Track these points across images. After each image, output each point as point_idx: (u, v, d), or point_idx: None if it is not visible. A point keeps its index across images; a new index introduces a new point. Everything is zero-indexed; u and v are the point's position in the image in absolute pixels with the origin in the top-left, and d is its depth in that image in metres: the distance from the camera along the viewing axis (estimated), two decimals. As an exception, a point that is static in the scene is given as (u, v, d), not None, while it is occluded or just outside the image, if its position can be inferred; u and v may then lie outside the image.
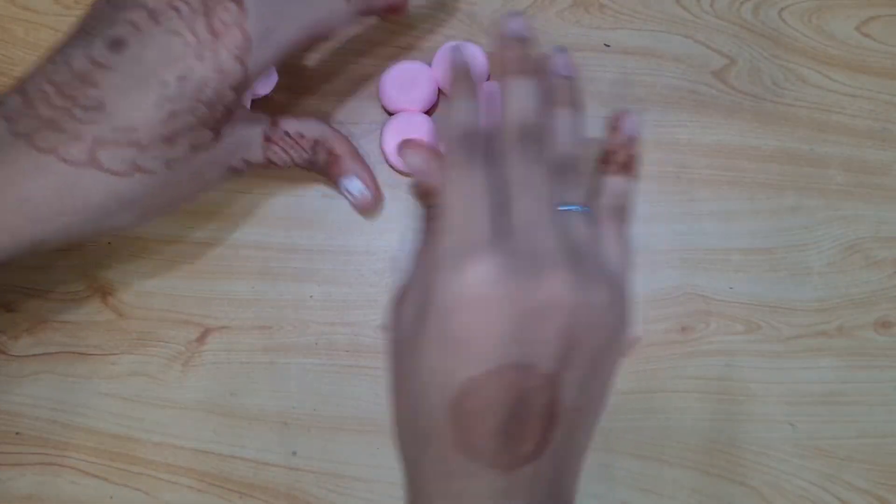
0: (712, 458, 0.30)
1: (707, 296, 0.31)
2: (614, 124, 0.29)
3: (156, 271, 0.31)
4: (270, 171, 0.31)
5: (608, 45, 0.33)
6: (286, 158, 0.28)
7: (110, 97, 0.23)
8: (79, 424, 0.30)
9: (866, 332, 0.32)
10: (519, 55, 0.27)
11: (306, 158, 0.29)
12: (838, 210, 0.32)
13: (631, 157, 0.28)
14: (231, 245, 0.31)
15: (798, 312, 0.32)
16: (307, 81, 0.33)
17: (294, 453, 0.30)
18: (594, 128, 0.30)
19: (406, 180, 0.32)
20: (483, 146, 0.24)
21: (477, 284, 0.21)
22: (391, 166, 0.32)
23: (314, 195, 0.32)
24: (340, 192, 0.30)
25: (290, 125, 0.28)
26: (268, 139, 0.27)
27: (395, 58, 0.32)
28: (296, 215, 0.31)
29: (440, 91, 0.32)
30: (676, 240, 0.32)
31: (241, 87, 0.24)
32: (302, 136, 0.28)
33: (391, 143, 0.31)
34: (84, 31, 0.24)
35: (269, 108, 0.32)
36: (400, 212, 0.31)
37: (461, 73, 0.27)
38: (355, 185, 0.29)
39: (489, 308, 0.21)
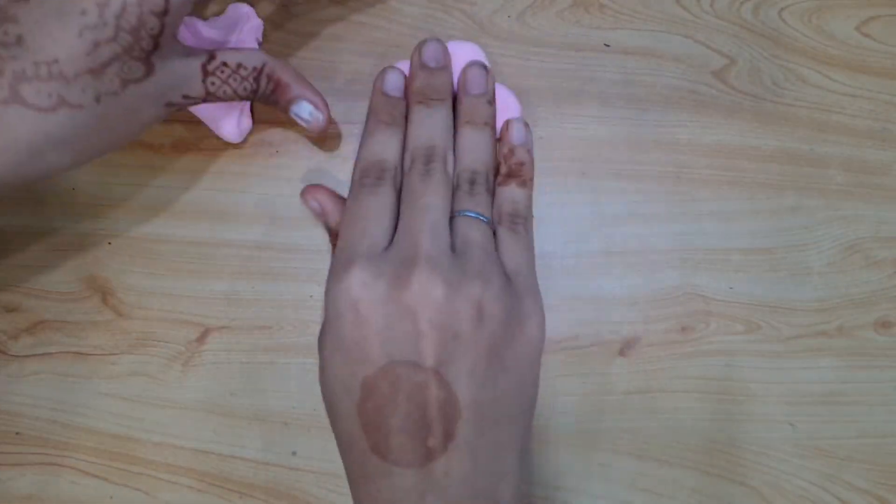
0: (712, 458, 0.30)
1: (707, 296, 0.31)
2: (501, 135, 0.30)
3: (156, 271, 0.31)
4: (272, 172, 0.32)
5: (608, 45, 0.33)
6: (228, 90, 0.28)
7: (29, 30, 0.22)
8: (79, 424, 0.30)
9: (866, 332, 0.32)
10: (426, 85, 0.28)
11: (250, 89, 0.28)
12: (838, 210, 0.32)
13: (517, 165, 0.29)
14: (231, 245, 0.31)
15: (798, 312, 0.32)
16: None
17: (294, 453, 0.30)
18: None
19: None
20: (381, 176, 0.26)
21: (352, 290, 0.23)
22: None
23: (314, 195, 0.32)
24: (292, 119, 0.30)
25: (229, 56, 0.27)
26: (206, 72, 0.27)
27: (394, 58, 0.32)
28: (296, 215, 0.31)
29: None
30: (676, 240, 0.32)
31: (165, 13, 0.24)
32: (242, 67, 0.28)
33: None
34: None
35: (269, 107, 0.32)
36: (400, 212, 0.31)
37: (380, 101, 0.28)
38: (305, 109, 0.29)
39: (365, 311, 0.23)
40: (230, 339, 0.31)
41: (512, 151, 0.29)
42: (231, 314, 0.31)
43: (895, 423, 0.31)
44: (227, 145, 0.32)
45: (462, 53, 0.31)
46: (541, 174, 0.31)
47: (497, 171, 0.29)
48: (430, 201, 0.25)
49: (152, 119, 0.26)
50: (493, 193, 0.28)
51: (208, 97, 0.27)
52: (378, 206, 0.26)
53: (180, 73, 0.26)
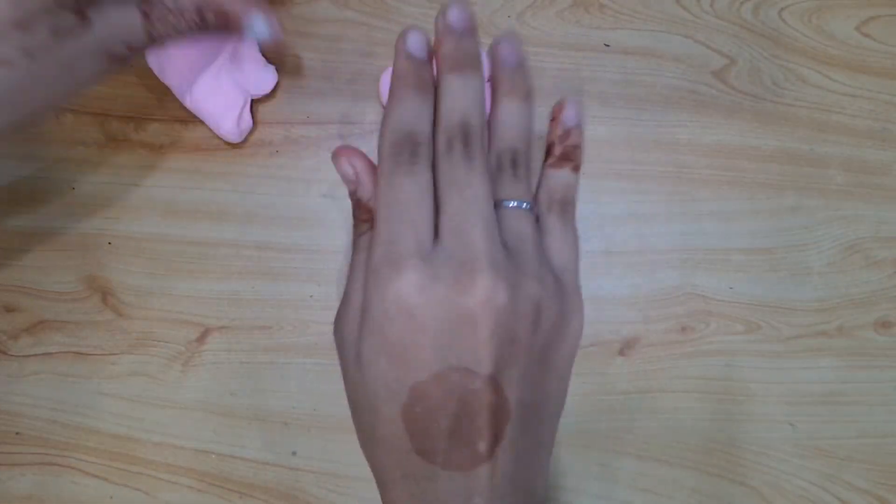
0: (712, 458, 0.30)
1: (707, 296, 0.31)
2: (554, 114, 0.27)
3: (156, 271, 0.31)
4: (272, 172, 0.32)
5: (608, 45, 0.33)
6: (172, 32, 0.26)
7: None
8: (79, 424, 0.30)
9: (866, 332, 0.32)
10: (455, 49, 0.25)
11: (195, 25, 0.27)
12: (838, 210, 0.32)
13: (571, 148, 0.26)
14: (231, 245, 0.31)
15: (798, 312, 0.32)
16: (307, 81, 0.33)
17: (294, 453, 0.30)
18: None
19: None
20: (415, 152, 0.24)
21: (405, 294, 0.21)
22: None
23: (314, 195, 0.32)
24: (247, 40, 0.29)
25: None
26: (147, 17, 0.25)
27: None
28: (296, 215, 0.31)
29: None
30: (676, 240, 0.32)
31: None
32: (181, 4, 0.26)
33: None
34: None
35: (269, 108, 0.32)
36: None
37: (408, 64, 0.25)
38: (259, 26, 0.27)
39: (419, 316, 0.21)
40: (230, 339, 0.31)
41: (568, 133, 0.26)
42: (231, 314, 0.31)
43: (895, 423, 0.31)
44: (228, 145, 0.32)
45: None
46: (541, 174, 0.31)
47: (548, 152, 0.27)
48: (477, 192, 0.23)
49: (95, 74, 0.25)
50: (530, 175, 0.26)
51: (154, 42, 0.26)
52: (418, 190, 0.23)
53: (118, 22, 0.24)
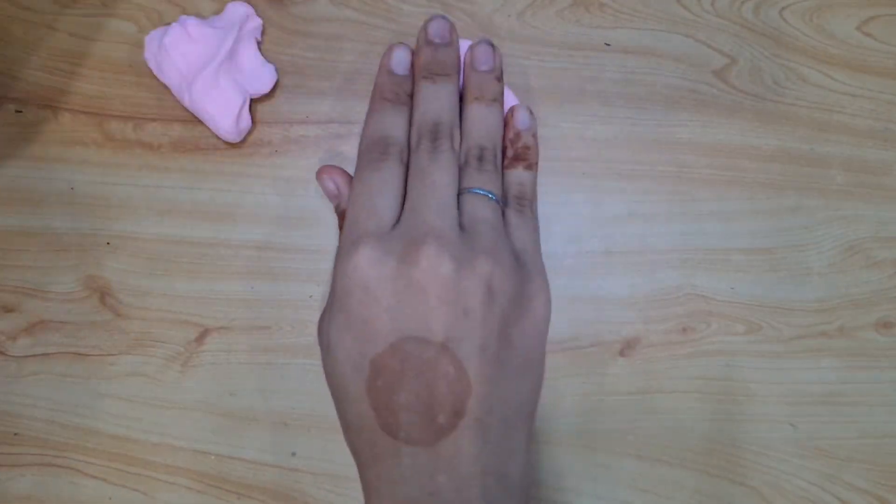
0: (713, 459, 0.30)
1: (708, 296, 0.31)
2: (506, 120, 0.29)
3: (155, 271, 0.31)
4: (272, 172, 0.31)
5: (608, 45, 0.33)
6: None
7: None
8: (77, 425, 0.30)
9: (867, 333, 0.31)
10: (431, 60, 0.28)
11: None
12: (839, 210, 0.32)
13: (523, 148, 0.28)
14: (230, 245, 0.31)
15: (799, 313, 0.31)
16: (307, 81, 0.32)
17: (293, 454, 0.30)
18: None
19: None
20: (385, 151, 0.26)
21: (360, 268, 0.23)
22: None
23: (314, 195, 0.32)
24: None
25: None
26: None
27: (394, 57, 0.32)
28: (296, 215, 0.31)
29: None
30: (677, 240, 0.32)
31: None
32: None
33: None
34: None
35: (268, 107, 0.32)
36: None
37: (387, 79, 0.28)
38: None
39: (373, 289, 0.23)
40: (229, 340, 0.30)
41: (518, 135, 0.29)
42: (230, 314, 0.31)
43: (895, 423, 0.31)
44: (227, 145, 0.32)
45: (462, 52, 0.31)
46: (541, 174, 0.30)
47: (503, 154, 0.29)
48: (437, 178, 0.25)
49: None
50: (500, 172, 0.28)
51: None
52: (382, 182, 0.25)
53: None
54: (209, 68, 0.30)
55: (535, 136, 0.29)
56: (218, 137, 0.32)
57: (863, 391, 0.31)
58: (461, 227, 0.25)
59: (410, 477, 0.22)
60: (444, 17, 0.29)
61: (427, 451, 0.22)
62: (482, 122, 0.28)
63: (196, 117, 0.31)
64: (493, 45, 0.29)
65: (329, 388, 0.25)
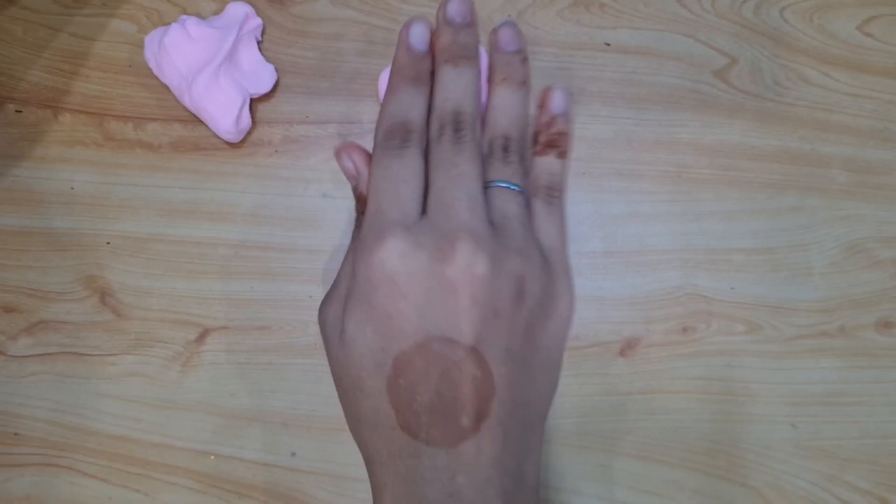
0: (713, 459, 0.30)
1: (708, 296, 0.31)
2: (542, 102, 0.28)
3: (155, 271, 0.31)
4: (272, 172, 0.31)
5: (609, 45, 0.33)
6: None
7: None
8: (78, 425, 0.30)
9: (868, 333, 0.31)
10: (452, 42, 0.26)
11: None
12: (840, 210, 0.32)
13: (557, 135, 0.27)
14: (230, 245, 0.31)
15: (799, 313, 0.31)
16: (307, 81, 0.32)
17: (293, 454, 0.30)
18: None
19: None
20: (406, 138, 0.25)
21: (388, 261, 0.22)
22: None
23: (314, 195, 0.32)
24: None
25: None
26: None
27: (394, 57, 0.32)
28: (296, 215, 0.31)
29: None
30: (677, 240, 0.32)
31: None
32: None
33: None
34: None
35: (268, 107, 0.32)
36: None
37: (406, 57, 0.26)
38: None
39: (402, 283, 0.22)
40: (229, 340, 0.30)
41: (553, 120, 0.27)
42: (230, 314, 0.31)
43: (897, 423, 0.31)
44: (227, 145, 0.32)
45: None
46: (541, 174, 0.30)
47: (535, 139, 0.27)
48: (464, 170, 0.24)
49: None
50: (525, 161, 0.26)
51: None
52: (406, 170, 0.24)
53: None
54: (209, 68, 0.30)
55: (570, 121, 0.28)
56: (218, 137, 0.32)
57: (864, 391, 0.31)
58: (489, 221, 0.24)
59: (430, 477, 0.22)
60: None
61: (448, 452, 0.22)
62: (509, 109, 0.26)
63: (196, 117, 0.31)
64: (516, 27, 0.27)
65: (337, 377, 0.24)
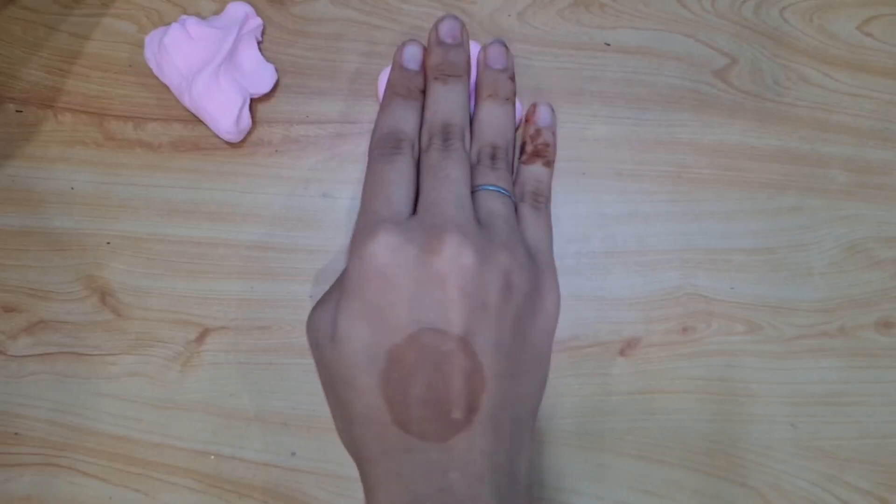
0: (713, 459, 0.30)
1: (708, 296, 0.31)
2: (528, 116, 0.30)
3: (155, 271, 0.31)
4: (272, 171, 0.31)
5: (609, 45, 0.33)
6: None
7: None
8: (78, 425, 0.30)
9: (868, 333, 0.31)
10: (442, 60, 0.28)
11: None
12: (840, 210, 0.32)
13: (542, 146, 0.29)
14: (231, 245, 0.31)
15: (800, 313, 0.31)
16: (307, 81, 0.32)
17: (293, 454, 0.30)
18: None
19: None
20: (396, 146, 0.26)
21: (379, 255, 0.23)
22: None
23: (314, 195, 0.32)
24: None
25: None
26: None
27: (394, 57, 0.32)
28: (296, 215, 0.31)
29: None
30: (677, 240, 0.32)
31: None
32: None
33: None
34: None
35: (268, 107, 0.32)
36: (400, 212, 0.31)
37: (399, 75, 0.28)
38: None
39: (392, 276, 0.23)
40: (229, 340, 0.30)
41: (539, 132, 0.29)
42: (230, 314, 0.31)
43: (897, 423, 0.31)
44: (227, 145, 0.32)
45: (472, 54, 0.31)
46: (541, 174, 0.31)
47: (522, 150, 0.29)
48: (451, 173, 0.25)
49: None
50: (512, 170, 0.28)
51: None
52: (397, 174, 0.25)
53: None
54: (209, 68, 0.30)
55: (554, 133, 0.30)
56: (218, 137, 0.32)
57: (864, 391, 0.31)
58: (477, 220, 0.25)
59: (422, 473, 0.22)
60: (454, 18, 0.29)
61: (440, 447, 0.22)
62: (495, 121, 0.28)
63: (196, 117, 0.31)
64: (505, 46, 0.30)
65: (328, 381, 0.24)
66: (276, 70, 0.32)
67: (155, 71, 0.31)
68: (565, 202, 0.32)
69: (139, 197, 0.31)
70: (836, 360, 0.31)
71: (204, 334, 0.30)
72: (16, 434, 0.30)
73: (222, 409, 0.30)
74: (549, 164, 0.29)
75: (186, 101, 0.31)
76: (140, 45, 0.32)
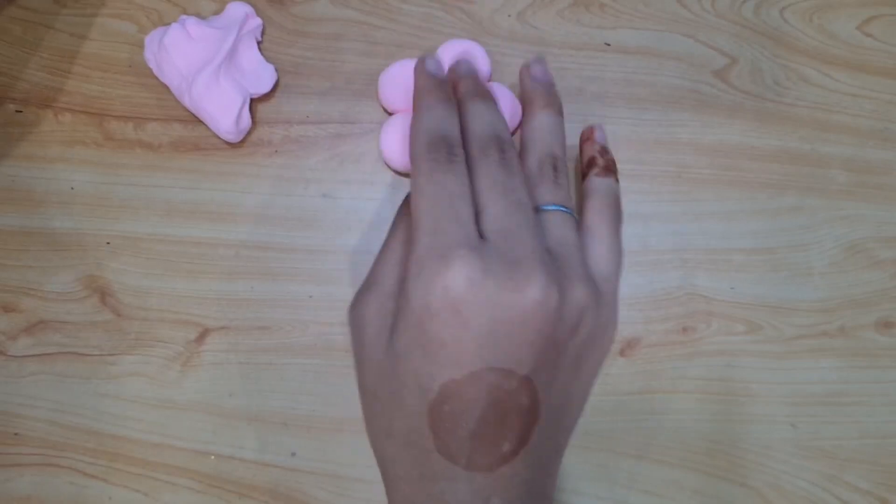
0: (713, 459, 0.30)
1: (708, 296, 0.31)
2: (586, 136, 0.29)
3: (155, 271, 0.31)
4: (272, 172, 0.31)
5: (609, 45, 0.33)
6: None
7: None
8: (78, 425, 0.30)
9: (868, 333, 0.31)
10: (472, 86, 0.27)
11: None
12: (840, 210, 0.32)
13: (612, 161, 0.28)
14: (231, 245, 0.31)
15: (800, 313, 0.31)
16: (307, 81, 0.32)
17: (293, 454, 0.30)
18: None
19: (405, 181, 0.32)
20: (452, 151, 0.24)
21: (453, 288, 0.21)
22: (390, 167, 0.31)
23: (314, 195, 0.32)
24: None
25: None
26: None
27: (394, 57, 0.32)
28: (296, 215, 0.31)
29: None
30: (677, 240, 0.32)
31: None
32: None
33: (390, 143, 0.30)
34: None
35: (268, 107, 0.32)
36: (400, 212, 0.31)
37: (431, 81, 0.27)
38: None
39: (468, 312, 0.21)
40: (229, 340, 0.30)
41: (604, 149, 0.28)
42: (230, 314, 0.31)
43: (897, 423, 0.31)
44: (227, 145, 0.32)
45: (461, 52, 0.31)
46: (541, 174, 0.30)
47: (590, 164, 0.28)
48: (521, 197, 0.23)
49: None
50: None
51: None
52: (460, 186, 0.23)
53: None
54: (209, 68, 0.30)
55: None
56: (218, 137, 0.32)
57: (864, 391, 0.31)
58: (548, 249, 0.23)
59: (465, 500, 0.22)
60: (466, 61, 0.29)
61: (483, 476, 0.22)
62: (554, 129, 0.27)
63: (196, 117, 0.31)
64: (546, 62, 0.30)
65: (371, 384, 0.23)
66: (276, 70, 0.32)
67: (155, 71, 0.31)
68: (565, 202, 0.32)
69: (139, 197, 0.31)
70: (836, 360, 0.31)
71: (204, 334, 0.30)
72: (16, 434, 0.30)
73: (222, 409, 0.30)
74: (618, 181, 0.27)
75: (186, 101, 0.31)
76: (140, 45, 0.32)
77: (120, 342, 0.30)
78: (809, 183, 0.33)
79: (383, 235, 0.31)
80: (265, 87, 0.31)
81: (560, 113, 0.28)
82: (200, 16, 0.32)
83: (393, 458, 0.23)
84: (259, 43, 0.33)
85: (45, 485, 0.29)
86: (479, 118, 0.26)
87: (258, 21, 0.32)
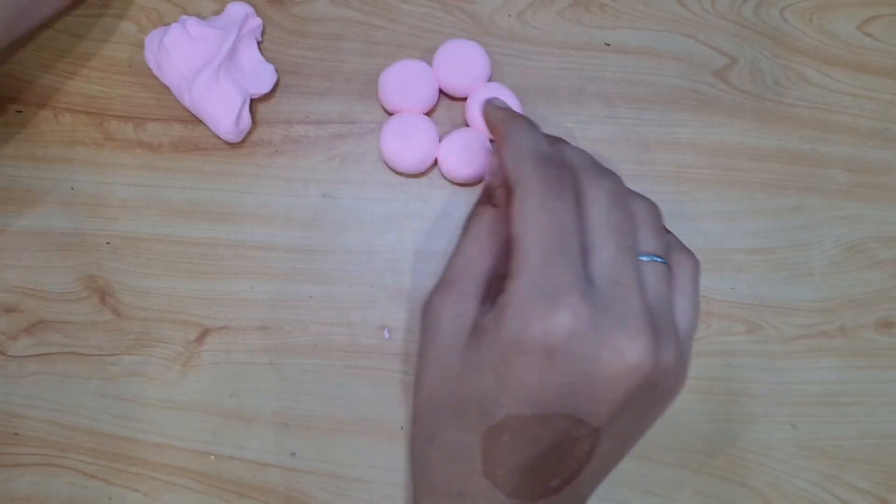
0: (713, 459, 0.30)
1: (708, 296, 0.31)
2: None
3: (155, 271, 0.31)
4: (272, 172, 0.31)
5: (609, 45, 0.33)
6: None
7: None
8: (77, 425, 0.30)
9: (868, 333, 0.31)
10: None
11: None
12: (840, 210, 0.32)
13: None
14: (231, 245, 0.31)
15: (799, 313, 0.31)
16: (307, 81, 0.32)
17: (293, 454, 0.30)
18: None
19: (404, 181, 0.32)
20: (563, 176, 0.22)
21: (555, 335, 0.20)
22: (390, 167, 0.31)
23: (314, 195, 0.32)
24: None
25: None
26: None
27: (394, 57, 0.32)
28: (296, 215, 0.31)
29: (440, 91, 0.32)
30: (677, 240, 0.32)
31: None
32: None
33: (390, 143, 0.30)
34: None
35: (268, 107, 0.32)
36: (399, 212, 0.31)
37: (509, 110, 0.27)
38: None
39: (558, 359, 0.20)
40: (229, 340, 0.30)
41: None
42: (230, 314, 0.31)
43: (897, 423, 0.31)
44: (227, 145, 0.32)
45: (461, 52, 0.31)
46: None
47: None
48: (633, 244, 0.22)
49: None
50: None
51: None
52: (572, 218, 0.21)
53: None
54: (209, 68, 0.30)
55: None
56: (218, 137, 0.31)
57: (864, 391, 0.31)
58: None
59: None
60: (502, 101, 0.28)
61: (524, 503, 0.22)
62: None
63: (196, 117, 0.31)
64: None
65: (427, 384, 0.23)
66: (276, 70, 0.32)
67: (155, 71, 0.31)
68: (565, 202, 0.32)
69: (139, 197, 0.31)
70: (836, 360, 0.31)
71: (204, 334, 0.30)
72: (16, 434, 0.30)
73: (222, 409, 0.30)
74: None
75: (186, 102, 0.31)
76: (140, 45, 0.32)
77: (120, 342, 0.30)
78: (809, 183, 0.33)
79: (383, 235, 0.31)
80: (265, 87, 0.31)
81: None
82: (200, 16, 0.32)
83: (433, 466, 0.23)
84: (259, 43, 0.32)
85: (45, 485, 0.29)
86: (570, 150, 0.24)
87: (258, 21, 0.32)
